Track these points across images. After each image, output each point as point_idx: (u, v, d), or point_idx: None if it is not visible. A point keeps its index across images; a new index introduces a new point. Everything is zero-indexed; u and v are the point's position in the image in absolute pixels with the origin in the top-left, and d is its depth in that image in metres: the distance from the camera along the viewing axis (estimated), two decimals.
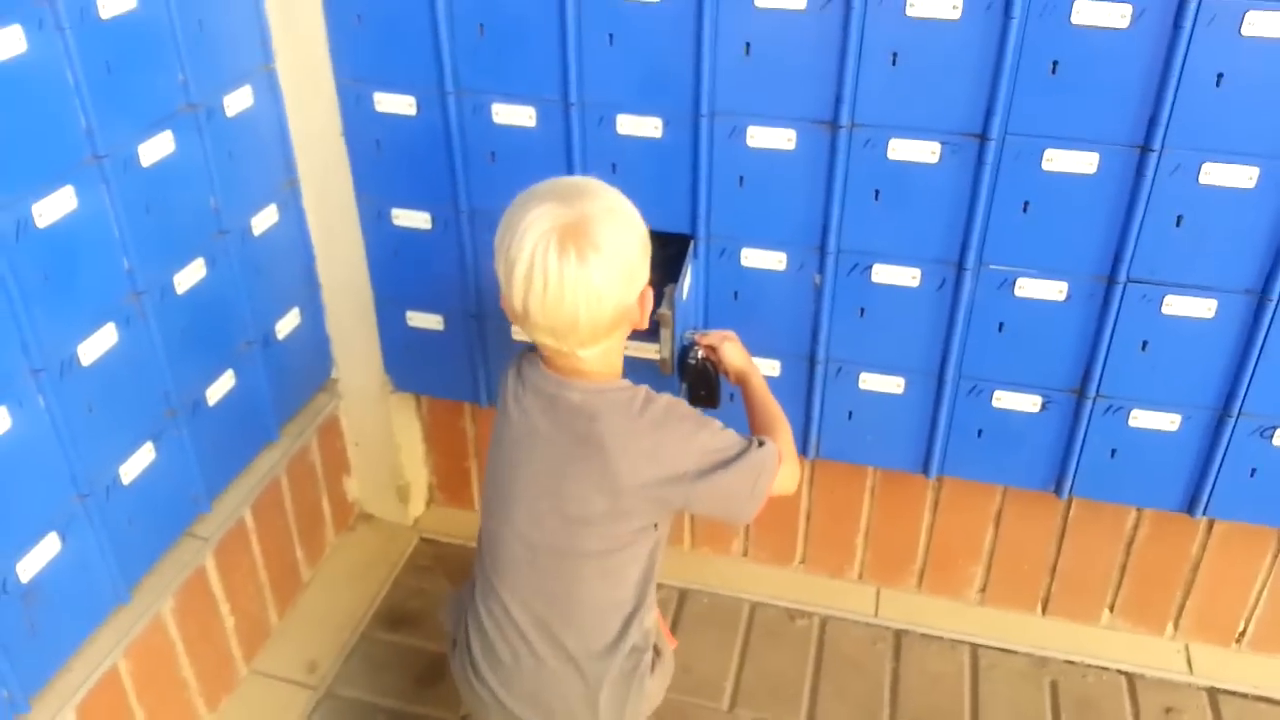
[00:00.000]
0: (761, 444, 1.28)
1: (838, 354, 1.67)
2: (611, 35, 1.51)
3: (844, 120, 1.48)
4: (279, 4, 1.61)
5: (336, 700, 1.79)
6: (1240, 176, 1.39)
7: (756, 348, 1.69)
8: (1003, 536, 1.87)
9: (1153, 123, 1.38)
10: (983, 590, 1.94)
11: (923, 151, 1.48)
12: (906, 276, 1.57)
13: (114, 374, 1.42)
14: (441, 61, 1.58)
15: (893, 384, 1.67)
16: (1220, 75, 1.34)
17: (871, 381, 1.68)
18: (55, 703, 1.40)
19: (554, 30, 1.52)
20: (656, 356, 1.59)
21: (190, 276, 1.53)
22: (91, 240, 1.36)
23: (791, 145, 1.52)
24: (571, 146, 1.59)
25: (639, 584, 1.30)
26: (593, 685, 1.29)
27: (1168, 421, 1.59)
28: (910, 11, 1.39)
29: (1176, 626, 1.88)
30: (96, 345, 1.38)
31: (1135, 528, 1.81)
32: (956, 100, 1.43)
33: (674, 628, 1.91)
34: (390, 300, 1.84)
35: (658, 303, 1.55)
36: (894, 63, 1.43)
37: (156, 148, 1.43)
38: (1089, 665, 1.84)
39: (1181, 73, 1.34)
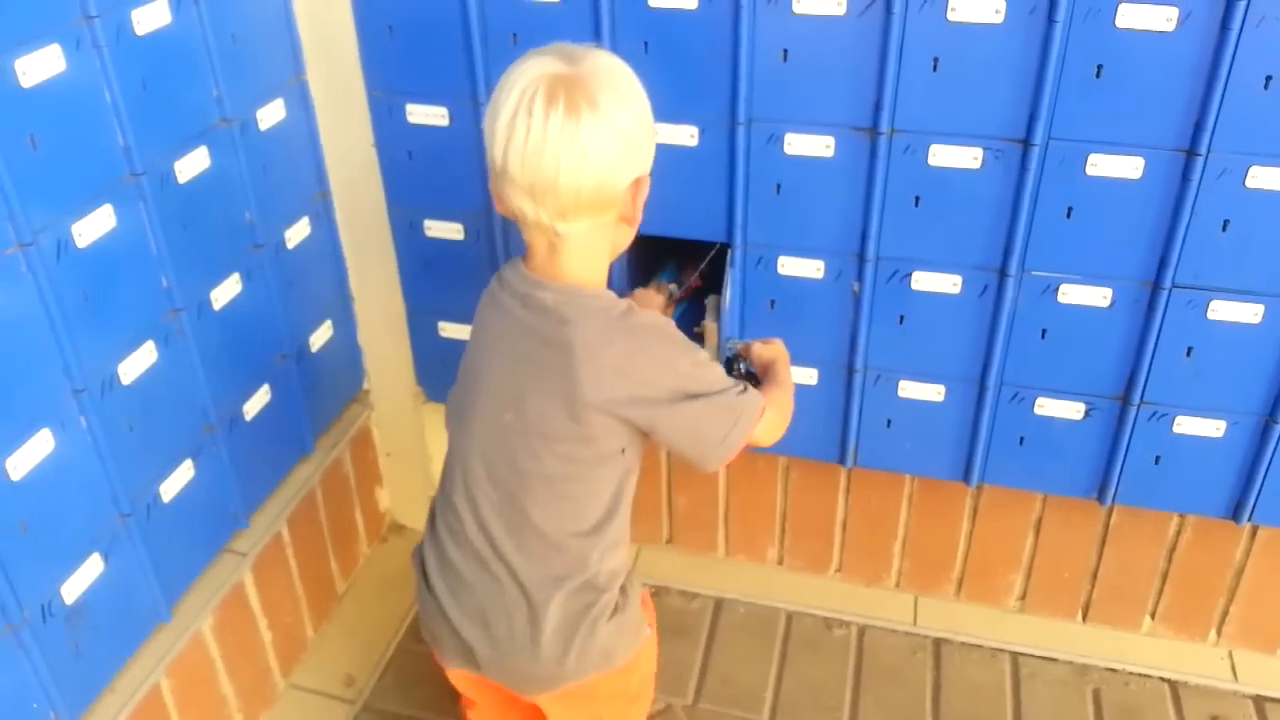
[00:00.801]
0: (745, 390, 1.20)
1: (876, 362, 1.65)
2: (646, 43, 1.50)
3: (884, 126, 1.46)
4: (310, 16, 1.60)
5: (374, 714, 1.78)
6: None
7: (793, 356, 1.67)
8: (1043, 544, 1.85)
9: (1199, 127, 1.36)
10: (1022, 598, 1.92)
11: (964, 157, 1.46)
12: (947, 283, 1.55)
13: (154, 392, 1.41)
14: (474, 72, 1.56)
15: (933, 392, 1.65)
16: (1269, 78, 1.32)
17: (911, 389, 1.66)
18: None
19: (588, 39, 1.50)
20: None
21: (227, 292, 1.53)
22: (130, 258, 1.35)
23: (830, 152, 1.50)
24: None
25: (602, 518, 1.20)
26: (538, 614, 1.19)
27: (1213, 428, 1.57)
28: (952, 16, 1.37)
29: (1220, 633, 1.86)
30: (136, 364, 1.38)
31: (1178, 534, 1.79)
32: (999, 105, 1.41)
33: (710, 637, 1.90)
34: (422, 311, 1.83)
35: (700, 315, 1.54)
36: (935, 68, 1.41)
37: (192, 163, 1.42)
38: (1131, 673, 1.82)
39: (1229, 76, 1.32)
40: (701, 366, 1.17)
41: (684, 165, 1.57)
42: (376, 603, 1.96)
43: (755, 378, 1.51)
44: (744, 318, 1.67)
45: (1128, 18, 1.32)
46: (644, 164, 1.13)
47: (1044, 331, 1.56)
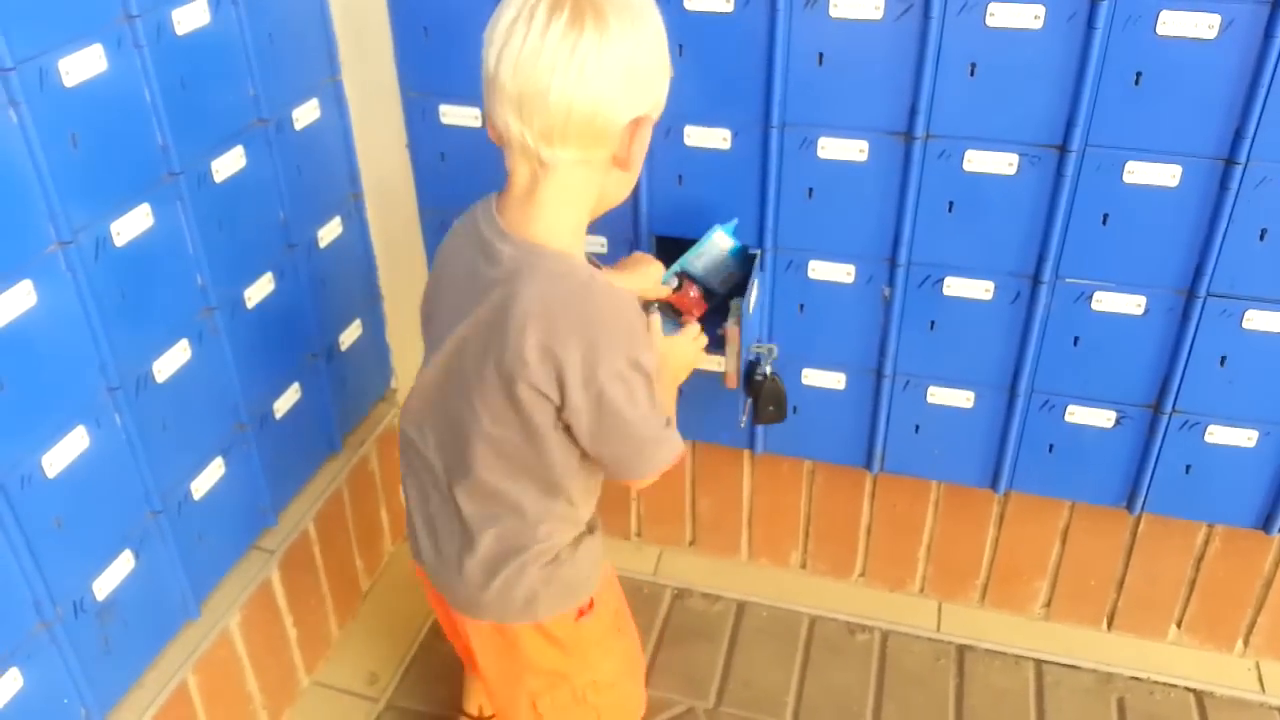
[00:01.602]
0: (668, 426, 1.13)
1: (906, 367, 1.65)
2: (681, 46, 1.49)
3: (919, 131, 1.45)
4: (346, 16, 1.60)
5: (396, 712, 1.78)
6: None
7: (822, 360, 1.68)
8: (1069, 551, 1.84)
9: (1239, 135, 1.35)
10: (1047, 605, 1.91)
11: (1000, 163, 1.45)
12: (979, 289, 1.55)
13: (187, 390, 1.42)
14: None
15: (962, 398, 1.65)
16: None
17: (940, 395, 1.65)
18: (129, 719, 1.40)
19: None
20: (720, 369, 1.58)
21: (260, 291, 1.53)
22: (167, 257, 1.36)
23: (864, 156, 1.50)
24: None
25: (545, 491, 1.15)
26: (473, 541, 1.18)
27: (1244, 438, 1.56)
28: (990, 21, 1.36)
29: (1247, 644, 1.84)
30: (171, 361, 1.38)
31: (1206, 543, 1.77)
32: (1036, 111, 1.41)
33: (732, 640, 1.90)
34: None
35: (723, 316, 1.54)
36: (972, 73, 1.40)
37: (229, 163, 1.43)
38: (1156, 682, 1.81)
39: (1271, 83, 1.31)
40: (634, 375, 1.06)
41: (716, 168, 1.56)
42: (400, 601, 1.96)
43: (778, 381, 1.50)
44: (773, 321, 1.67)
45: (1169, 25, 1.32)
46: (647, 103, 1.03)
47: (1076, 339, 1.55)
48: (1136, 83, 1.36)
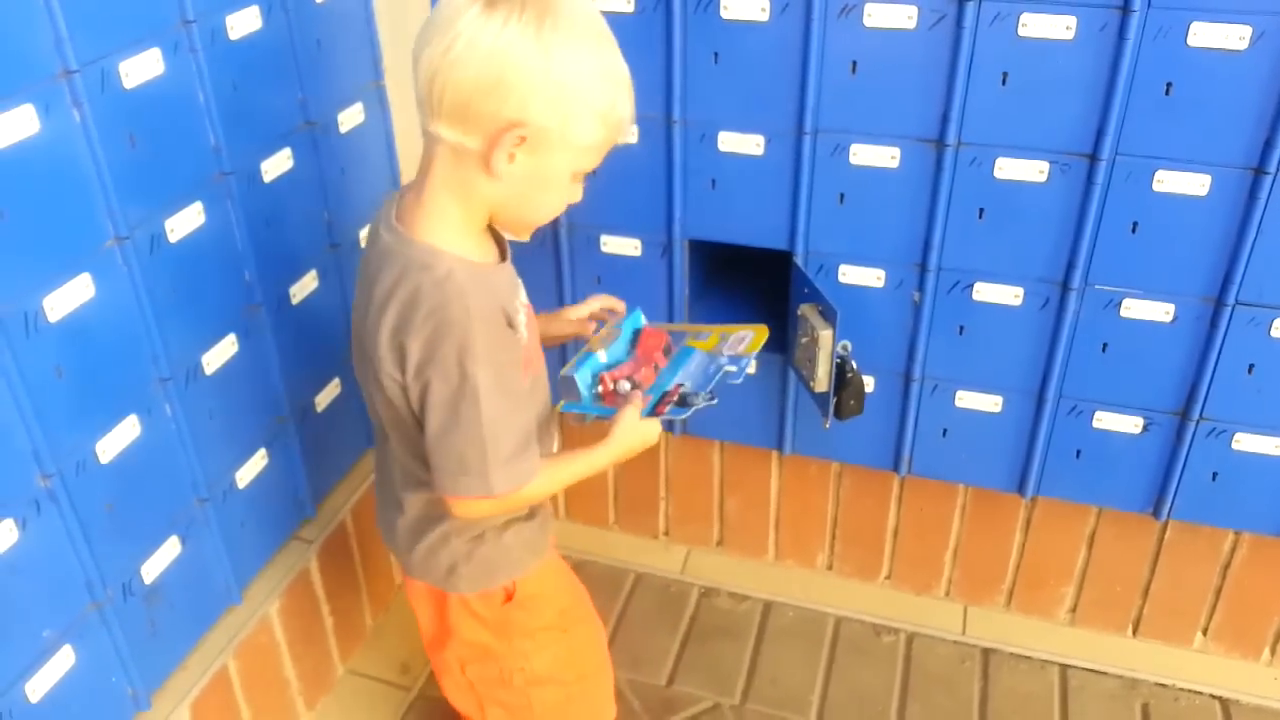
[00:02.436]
0: (518, 458, 1.09)
1: (934, 371, 1.67)
2: (716, 54, 1.52)
3: (950, 139, 1.48)
4: (391, 21, 1.65)
5: (428, 701, 1.82)
6: None
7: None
8: (1096, 557, 1.85)
9: (1268, 145, 1.37)
10: (1073, 610, 1.92)
11: (1030, 171, 1.47)
12: (1009, 295, 1.57)
13: (233, 382, 1.47)
14: None
15: (990, 403, 1.66)
16: None
17: (968, 400, 1.67)
18: (172, 700, 1.45)
19: (659, 50, 1.54)
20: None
21: (304, 288, 1.58)
22: (217, 254, 1.40)
23: (895, 163, 1.52)
24: (672, 163, 1.61)
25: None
26: (402, 504, 1.21)
27: (1272, 445, 1.57)
28: (1023, 31, 1.38)
29: (1274, 652, 1.85)
30: (219, 354, 1.43)
31: (1233, 551, 1.78)
32: (1067, 120, 1.42)
33: (758, 639, 1.92)
34: None
35: (827, 318, 1.54)
36: (1004, 82, 1.42)
37: (277, 164, 1.47)
38: (1181, 689, 1.82)
39: None
40: (462, 383, 1.03)
41: (749, 174, 1.59)
42: None
43: (861, 383, 1.50)
44: None
45: (1199, 36, 1.33)
46: (528, 113, 0.98)
47: (1105, 345, 1.56)
48: (1167, 93, 1.37)
